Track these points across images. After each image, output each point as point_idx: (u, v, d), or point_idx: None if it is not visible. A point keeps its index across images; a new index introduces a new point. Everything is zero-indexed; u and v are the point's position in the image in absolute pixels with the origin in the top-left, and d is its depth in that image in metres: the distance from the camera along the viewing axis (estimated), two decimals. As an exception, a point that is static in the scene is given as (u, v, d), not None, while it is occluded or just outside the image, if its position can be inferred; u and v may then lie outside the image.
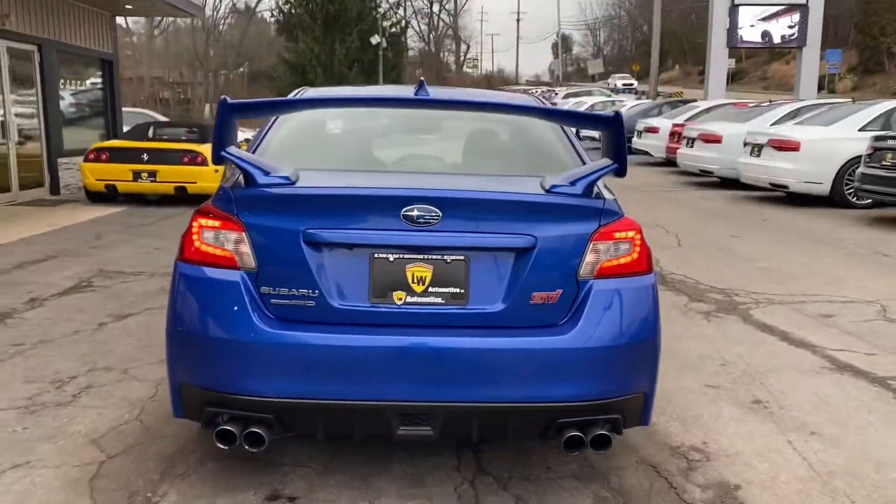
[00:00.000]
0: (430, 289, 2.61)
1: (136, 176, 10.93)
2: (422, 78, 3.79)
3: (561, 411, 2.60)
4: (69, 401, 3.74)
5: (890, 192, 9.18)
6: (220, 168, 11.35)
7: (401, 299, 2.61)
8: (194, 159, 10.99)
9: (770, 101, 15.44)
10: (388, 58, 45.64)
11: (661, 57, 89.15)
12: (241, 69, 79.08)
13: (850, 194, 10.55)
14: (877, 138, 9.50)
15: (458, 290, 2.61)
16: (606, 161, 2.76)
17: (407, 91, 3.53)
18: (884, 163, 9.15)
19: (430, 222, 2.57)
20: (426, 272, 2.61)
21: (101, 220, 9.95)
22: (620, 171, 2.70)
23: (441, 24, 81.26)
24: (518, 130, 3.52)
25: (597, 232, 2.67)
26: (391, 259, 2.61)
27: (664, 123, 17.07)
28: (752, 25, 20.36)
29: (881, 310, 5.58)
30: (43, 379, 4.03)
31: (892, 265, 7.23)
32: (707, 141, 13.14)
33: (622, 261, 2.71)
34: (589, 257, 2.66)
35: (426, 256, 2.61)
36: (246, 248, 2.63)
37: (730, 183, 13.00)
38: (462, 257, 2.61)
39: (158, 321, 5.08)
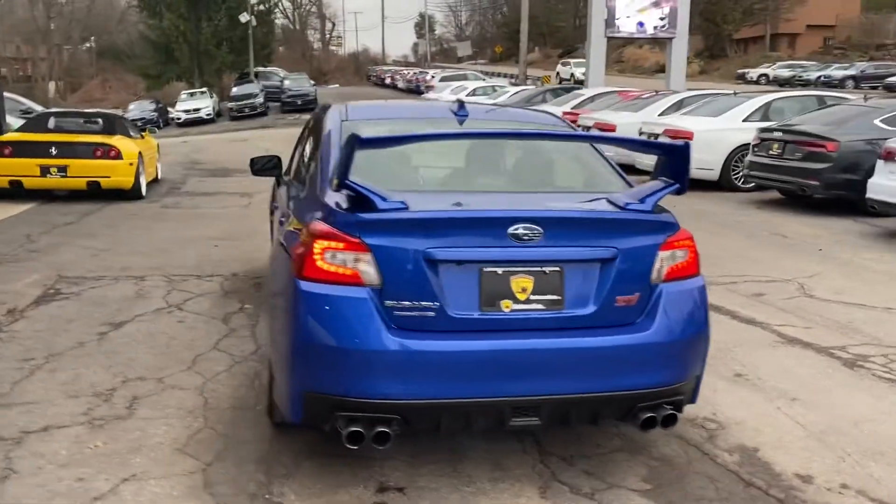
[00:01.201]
0: (532, 297, 3.00)
1: (45, 171, 10.43)
2: (460, 99, 4.08)
3: (641, 397, 3.08)
4: (127, 413, 3.83)
5: (775, 178, 10.33)
6: (135, 162, 11.03)
7: (507, 307, 2.98)
8: (107, 153, 10.61)
9: (657, 92, 16.63)
10: (258, 36, 44.49)
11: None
12: (88, 44, 74.08)
13: (736, 179, 11.71)
14: (763, 130, 10.64)
15: (555, 297, 3.02)
16: (665, 180, 3.24)
17: (448, 113, 3.89)
18: (770, 151, 10.28)
19: (533, 239, 2.96)
20: (528, 282, 2.99)
21: (16, 219, 9.48)
22: (681, 190, 3.19)
23: (306, 1, 79.68)
24: (556, 147, 3.91)
25: (664, 242, 3.15)
26: (499, 272, 2.97)
27: (554, 111, 17.93)
28: (628, 16, 21.77)
29: (800, 287, 6.47)
30: (84, 393, 4.07)
31: (792, 245, 8.25)
32: (603, 130, 14.05)
33: (681, 266, 3.21)
34: (658, 264, 3.14)
35: (528, 269, 2.99)
36: (371, 267, 2.91)
37: (626, 170, 13.96)
38: (558, 268, 3.02)
39: (158, 328, 5.16)
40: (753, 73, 52.17)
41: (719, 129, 11.73)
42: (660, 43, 40.31)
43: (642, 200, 3.17)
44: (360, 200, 2.98)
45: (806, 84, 45.61)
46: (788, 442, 3.70)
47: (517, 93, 23.39)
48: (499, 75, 43.41)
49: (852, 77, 45.26)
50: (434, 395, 2.90)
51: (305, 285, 2.97)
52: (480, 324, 2.97)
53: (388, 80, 60.66)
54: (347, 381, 2.90)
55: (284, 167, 5.43)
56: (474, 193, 3.33)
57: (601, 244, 3.06)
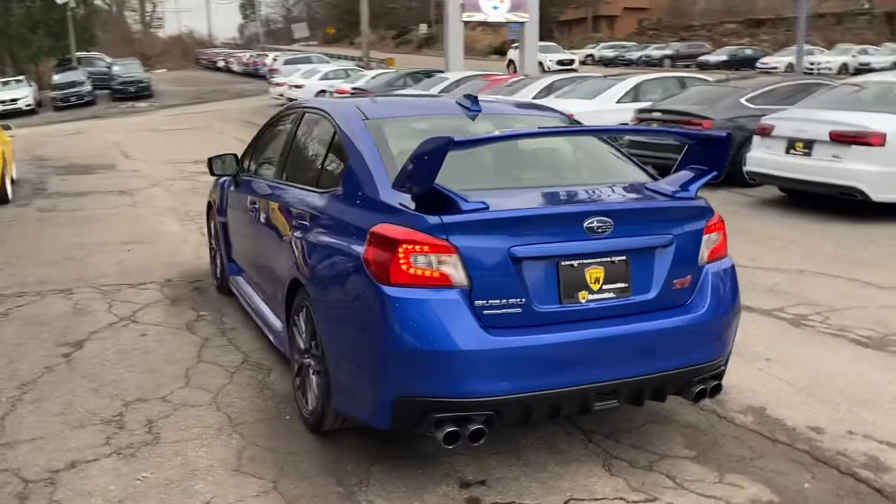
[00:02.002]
0: (604, 286, 3.15)
1: None
2: (470, 94, 4.09)
3: (698, 372, 3.32)
4: (152, 439, 3.60)
5: (655, 156, 11.07)
6: (0, 161, 10.02)
7: (584, 298, 3.11)
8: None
9: (526, 76, 17.17)
10: (78, 19, 41.14)
11: (355, 22, 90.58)
12: None
13: (613, 157, 12.43)
14: (641, 111, 11.37)
15: (624, 285, 3.18)
16: (699, 168, 3.47)
17: (458, 108, 3.93)
18: (650, 131, 11.00)
19: (605, 231, 3.10)
20: (600, 273, 3.14)
21: None
22: (718, 177, 3.45)
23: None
24: (578, 141, 4.02)
25: (706, 226, 3.40)
26: (574, 265, 3.09)
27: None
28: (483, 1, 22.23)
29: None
30: (90, 421, 3.76)
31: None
32: None
33: (718, 247, 3.48)
34: (703, 247, 3.38)
35: (600, 260, 3.14)
36: (459, 268, 2.93)
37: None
38: (624, 257, 3.18)
39: (125, 344, 4.83)
40: (580, 54, 54.99)
41: (596, 110, 12.35)
42: (493, 26, 41.52)
43: (685, 188, 3.40)
44: (438, 201, 2.98)
45: (629, 64, 48.77)
46: (785, 399, 4.11)
47: (375, 77, 23.29)
48: (342, 58, 42.79)
49: (669, 56, 48.81)
50: (527, 389, 2.98)
51: (393, 291, 2.94)
52: (562, 316, 3.08)
53: (220, 64, 58.15)
54: (443, 382, 2.92)
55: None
56: (530, 189, 3.39)
57: (661, 232, 3.26)
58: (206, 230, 8.26)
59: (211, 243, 6.24)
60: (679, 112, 10.72)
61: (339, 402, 3.32)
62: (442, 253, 2.93)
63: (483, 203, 2.99)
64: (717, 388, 3.44)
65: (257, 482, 3.22)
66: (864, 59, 37.64)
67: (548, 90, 14.56)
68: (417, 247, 2.93)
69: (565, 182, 3.55)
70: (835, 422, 3.85)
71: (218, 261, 5.96)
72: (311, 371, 3.62)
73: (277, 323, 4.28)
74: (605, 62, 49.86)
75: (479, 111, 4.01)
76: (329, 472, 3.31)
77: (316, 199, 3.77)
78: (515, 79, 16.34)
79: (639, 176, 3.69)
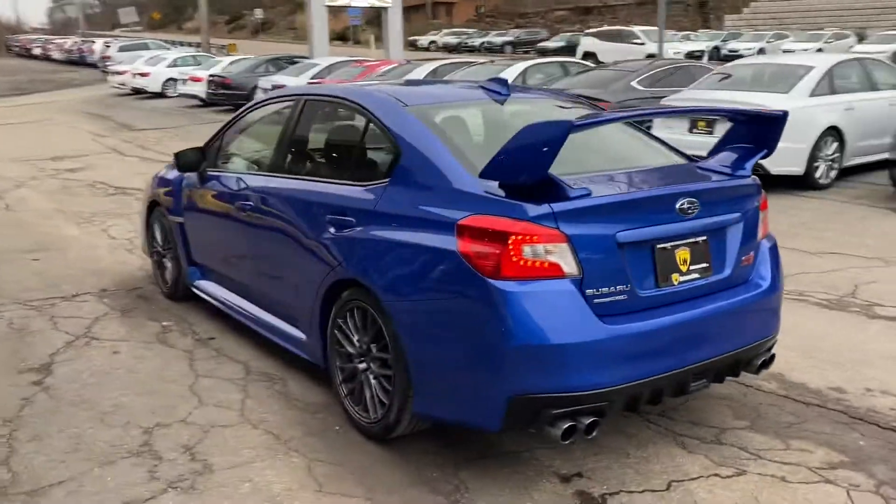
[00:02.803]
0: (691, 267, 3.16)
1: None
2: (499, 78, 3.94)
3: (763, 345, 3.42)
4: (202, 468, 3.23)
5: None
6: None
7: (676, 280, 3.11)
8: None
9: (408, 61, 16.99)
10: None
11: (181, 6, 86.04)
12: None
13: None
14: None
15: (706, 265, 3.21)
16: (748, 147, 3.55)
17: (484, 93, 3.81)
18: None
19: (693, 212, 3.11)
20: (687, 254, 3.15)
21: None
22: (769, 154, 3.54)
23: None
24: (615, 126, 3.96)
25: (761, 203, 3.50)
26: (667, 247, 3.08)
27: (297, 82, 17.48)
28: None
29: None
30: (115, 455, 3.32)
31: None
32: None
33: (766, 223, 3.59)
34: (760, 224, 3.48)
35: (686, 241, 3.14)
36: (570, 257, 2.83)
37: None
38: (705, 237, 3.21)
39: (100, 364, 4.34)
40: (424, 41, 55.45)
41: None
42: (333, 12, 40.72)
43: (741, 166, 3.47)
44: (534, 189, 2.86)
45: (472, 50, 49.74)
46: (796, 364, 4.34)
47: (234, 62, 22.23)
48: (181, 44, 40.50)
49: (510, 43, 50.29)
50: (638, 377, 2.94)
51: (505, 285, 2.80)
52: (660, 300, 3.06)
53: (37, 52, 53.29)
54: (561, 377, 2.82)
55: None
56: (599, 174, 3.29)
57: (732, 210, 3.31)
58: (113, 233, 7.62)
59: (154, 247, 5.68)
60: (576, 96, 11.03)
61: (422, 406, 3.13)
62: (553, 242, 2.82)
63: (587, 189, 2.91)
64: (772, 359, 3.57)
65: (352, 501, 2.97)
66: (691, 45, 40.44)
67: (433, 75, 14.53)
68: (529, 237, 2.80)
69: (623, 166, 3.49)
70: (848, 381, 4.11)
71: (169, 265, 5.44)
72: (370, 376, 3.38)
73: (294, 331, 3.97)
74: (449, 49, 50.56)
75: (509, 95, 3.90)
76: (417, 482, 3.11)
77: (358, 192, 3.50)
78: (393, 65, 16.17)
79: (679, 157, 3.73)
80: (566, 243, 2.83)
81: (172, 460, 3.28)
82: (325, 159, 4.04)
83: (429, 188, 3.20)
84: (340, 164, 3.93)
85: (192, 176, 5.05)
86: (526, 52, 47.31)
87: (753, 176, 3.56)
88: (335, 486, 3.08)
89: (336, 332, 3.58)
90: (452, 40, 53.10)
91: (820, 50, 34.47)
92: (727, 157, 3.57)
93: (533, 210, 2.83)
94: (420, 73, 14.58)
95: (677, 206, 3.07)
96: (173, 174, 5.31)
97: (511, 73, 12.84)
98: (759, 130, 3.54)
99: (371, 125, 3.65)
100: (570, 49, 44.78)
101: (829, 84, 9.16)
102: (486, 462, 3.26)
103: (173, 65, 25.63)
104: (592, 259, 2.88)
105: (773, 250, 3.59)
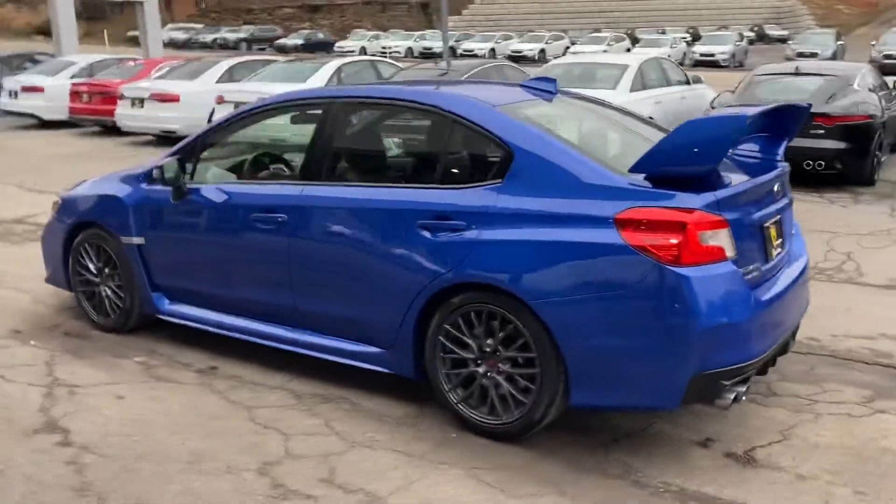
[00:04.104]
0: (775, 242, 3.58)
1: None
2: (546, 77, 3.97)
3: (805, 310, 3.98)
4: (370, 499, 3.00)
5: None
6: None
7: (773, 256, 3.51)
8: None
9: (199, 58, 15.79)
10: None
11: None
12: None
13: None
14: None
15: (782, 240, 3.66)
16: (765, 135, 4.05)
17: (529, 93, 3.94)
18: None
19: (780, 194, 3.54)
20: (774, 232, 3.57)
21: None
22: (791, 140, 4.06)
23: None
24: (623, 119, 4.24)
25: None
26: (767, 225, 3.47)
27: (56, 82, 15.54)
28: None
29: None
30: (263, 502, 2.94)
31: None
32: (164, 100, 13.07)
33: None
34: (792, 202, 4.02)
35: (774, 220, 3.56)
36: (730, 241, 3.10)
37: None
38: (780, 216, 3.65)
39: (116, 412, 3.84)
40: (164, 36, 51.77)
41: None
42: (29, 4, 36.11)
43: (773, 153, 3.96)
44: (696, 179, 3.09)
45: (203, 47, 47.44)
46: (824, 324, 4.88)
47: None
48: None
49: (245, 40, 48.88)
50: (772, 343, 3.32)
51: (686, 271, 2.99)
52: (771, 272, 3.45)
53: None
54: (736, 351, 3.10)
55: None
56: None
57: (788, 191, 3.80)
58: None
59: (79, 276, 4.91)
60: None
61: (583, 398, 3.21)
62: (719, 228, 3.07)
63: (728, 177, 3.19)
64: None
65: (545, 499, 2.97)
66: (426, 43, 42.35)
67: (229, 74, 13.83)
68: (702, 225, 3.02)
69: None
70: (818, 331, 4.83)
71: (109, 294, 4.76)
72: (500, 378, 3.36)
73: (358, 346, 3.79)
74: (178, 45, 47.69)
75: (556, 94, 4.05)
76: (585, 471, 3.20)
77: (464, 195, 3.43)
78: (180, 62, 15.07)
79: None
80: (728, 228, 3.10)
81: (330, 495, 3.00)
82: (400, 164, 3.86)
83: (554, 185, 3.27)
84: (424, 168, 3.78)
85: (157, 190, 4.48)
86: (262, 49, 46.29)
87: None
88: (517, 488, 3.06)
89: (442, 338, 3.49)
90: (180, 36, 50.19)
91: (605, 52, 37.80)
92: (753, 144, 4.03)
93: (702, 199, 3.05)
94: (217, 71, 13.79)
95: (774, 188, 3.48)
96: (123, 189, 4.65)
97: (326, 73, 12.65)
98: (784, 120, 4.05)
99: (460, 127, 3.58)
100: (309, 47, 44.71)
101: (642, 80, 10.36)
102: (626, 440, 3.43)
103: None
104: (742, 241, 3.18)
105: (797, 225, 4.16)
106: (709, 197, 3.07)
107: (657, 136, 4.05)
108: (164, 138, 13.30)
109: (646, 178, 3.15)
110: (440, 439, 3.48)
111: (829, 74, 9.53)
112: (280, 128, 4.93)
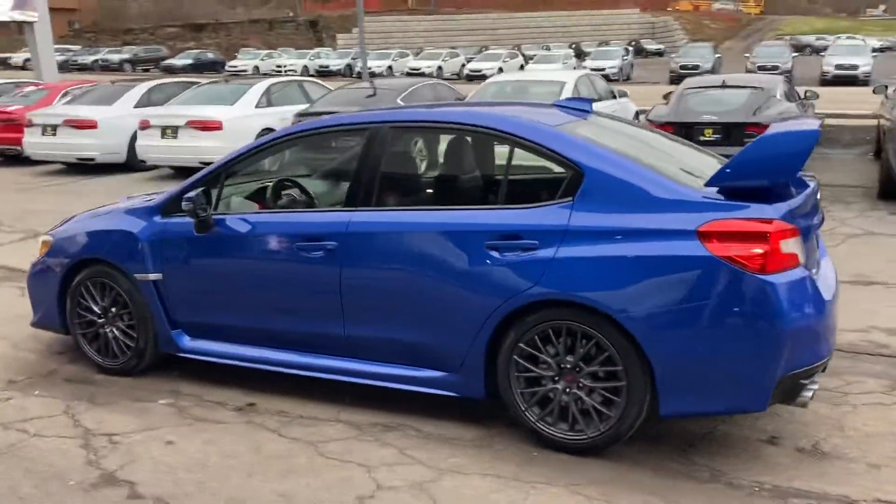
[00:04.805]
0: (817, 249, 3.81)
1: None
2: (580, 97, 4.03)
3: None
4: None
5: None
6: None
7: (818, 262, 3.73)
8: None
9: (113, 82, 14.99)
10: None
11: None
12: None
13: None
14: (301, 113, 11.49)
15: (815, 244, 3.89)
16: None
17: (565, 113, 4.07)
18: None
19: (817, 206, 3.77)
20: (816, 239, 3.79)
21: None
22: None
23: None
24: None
25: None
26: (814, 234, 3.69)
27: None
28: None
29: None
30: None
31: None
32: (80, 127, 12.40)
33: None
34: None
35: (817, 228, 3.78)
36: (801, 248, 3.29)
37: (112, 168, 12.71)
38: (818, 225, 3.87)
39: (171, 458, 3.66)
40: (18, 58, 48.86)
41: (239, 116, 11.96)
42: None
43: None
44: (766, 191, 3.26)
45: (82, 68, 45.27)
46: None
47: None
48: None
49: (129, 61, 47.02)
50: (833, 344, 3.54)
51: (773, 278, 3.16)
52: (818, 276, 3.65)
53: None
54: (814, 351, 3.30)
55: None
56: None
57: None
58: None
59: (79, 318, 4.62)
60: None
61: (672, 407, 3.30)
62: (793, 236, 3.25)
63: (791, 188, 3.39)
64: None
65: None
66: (322, 61, 42.03)
67: (148, 97, 13.31)
68: (783, 234, 3.19)
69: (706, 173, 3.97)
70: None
71: (116, 334, 4.51)
72: (581, 393, 3.42)
73: (421, 372, 3.77)
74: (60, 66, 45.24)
75: (589, 111, 4.17)
76: (677, 476, 3.30)
77: (534, 215, 3.48)
78: (90, 87, 14.35)
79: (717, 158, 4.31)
80: (799, 236, 3.28)
81: (446, 526, 2.97)
82: (459, 187, 3.84)
83: (626, 202, 3.37)
84: (485, 189, 3.77)
85: (175, 223, 4.30)
86: (146, 70, 44.70)
87: None
88: (623, 499, 3.13)
89: (516, 357, 3.51)
90: (57, 57, 47.55)
91: (500, 70, 38.18)
92: None
93: (777, 209, 3.22)
94: (136, 94, 13.23)
95: (817, 199, 3.71)
96: (134, 223, 4.42)
97: (255, 94, 12.37)
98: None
99: (523, 149, 3.63)
100: (199, 67, 43.42)
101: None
102: (700, 444, 3.55)
103: None
104: (804, 247, 3.37)
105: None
106: (783, 207, 3.25)
107: (686, 149, 4.27)
108: (79, 166, 12.67)
109: (718, 192, 3.30)
110: (521, 459, 3.49)
111: (753, 87, 10.17)
112: (303, 157, 4.83)
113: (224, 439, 3.75)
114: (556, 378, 3.48)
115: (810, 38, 57.82)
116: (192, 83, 14.08)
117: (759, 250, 3.16)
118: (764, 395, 3.23)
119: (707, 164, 3.89)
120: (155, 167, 12.52)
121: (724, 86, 10.35)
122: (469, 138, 3.95)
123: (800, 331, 3.21)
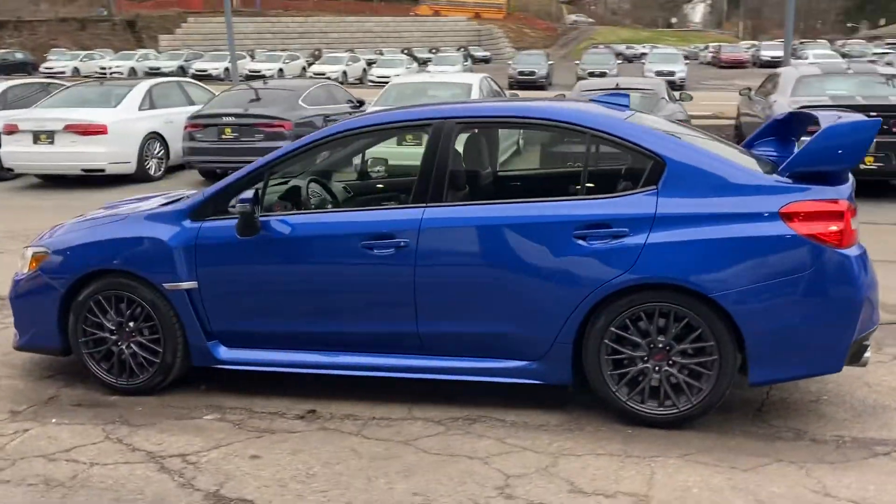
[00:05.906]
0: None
1: None
2: (618, 90, 4.15)
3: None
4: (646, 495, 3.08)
5: (227, 160, 10.85)
6: None
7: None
8: None
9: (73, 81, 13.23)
10: None
11: None
12: None
13: (149, 169, 11.45)
14: (199, 116, 10.95)
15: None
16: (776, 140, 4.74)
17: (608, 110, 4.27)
18: (223, 136, 10.77)
19: None
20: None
21: None
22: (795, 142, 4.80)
23: None
24: None
25: None
26: None
27: None
28: None
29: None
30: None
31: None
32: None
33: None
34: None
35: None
36: (857, 225, 3.68)
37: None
38: None
39: (268, 473, 3.65)
40: None
41: (124, 119, 11.14)
42: None
43: (786, 155, 4.63)
44: (827, 175, 3.63)
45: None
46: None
47: None
48: None
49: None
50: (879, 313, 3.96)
51: (848, 251, 3.52)
52: None
53: None
54: (874, 316, 3.68)
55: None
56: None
57: None
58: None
59: (91, 335, 4.20)
60: (257, 115, 10.76)
61: (762, 375, 3.58)
62: (855, 215, 3.63)
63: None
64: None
65: (776, 466, 3.30)
66: (152, 63, 39.71)
67: (4, 100, 12.05)
68: (851, 212, 3.56)
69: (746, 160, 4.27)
70: None
71: (135, 350, 4.15)
72: (675, 370, 3.61)
73: (501, 363, 3.82)
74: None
75: (627, 107, 4.38)
76: (766, 438, 3.58)
77: (621, 204, 3.63)
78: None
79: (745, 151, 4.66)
80: (856, 214, 3.67)
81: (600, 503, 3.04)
82: (539, 179, 3.88)
83: (706, 188, 3.61)
84: (566, 181, 3.83)
85: (212, 227, 4.04)
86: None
87: None
88: (739, 463, 3.35)
89: (607, 341, 3.65)
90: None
91: (282, 70, 37.70)
92: (769, 147, 4.69)
93: (841, 191, 3.59)
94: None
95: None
96: (160, 229, 4.09)
97: (137, 96, 11.55)
98: (790, 125, 4.73)
99: (602, 141, 3.77)
100: (7, 68, 39.51)
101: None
102: (768, 408, 3.87)
103: None
104: (853, 224, 3.78)
105: None
106: (845, 189, 3.63)
107: (714, 142, 4.58)
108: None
109: (788, 176, 3.63)
110: (622, 437, 3.63)
111: (644, 89, 10.95)
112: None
113: (310, 449, 3.58)
114: (646, 358, 3.65)
115: (621, 47, 62.45)
116: (54, 84, 12.93)
117: (835, 227, 3.51)
118: (840, 358, 3.59)
119: (732, 153, 4.23)
120: (22, 175, 11.38)
121: (617, 89, 11.04)
122: (545, 133, 4.04)
123: (868, 299, 3.60)
